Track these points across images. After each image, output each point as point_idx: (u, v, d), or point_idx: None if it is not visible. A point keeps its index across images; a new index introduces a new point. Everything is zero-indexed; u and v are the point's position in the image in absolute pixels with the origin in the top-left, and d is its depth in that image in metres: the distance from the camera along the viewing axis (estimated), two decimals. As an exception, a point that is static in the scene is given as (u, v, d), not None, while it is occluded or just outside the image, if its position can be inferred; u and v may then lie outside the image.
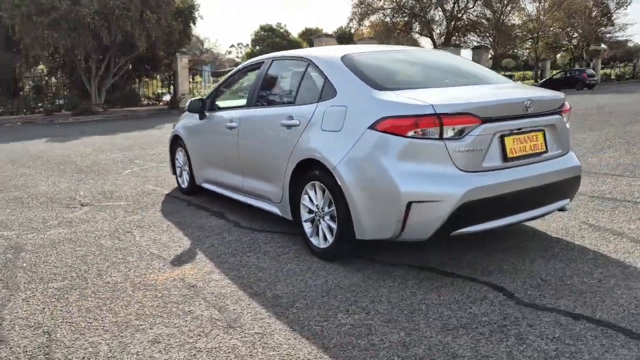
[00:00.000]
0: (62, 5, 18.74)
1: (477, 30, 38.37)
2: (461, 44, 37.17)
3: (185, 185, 6.05)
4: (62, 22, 18.79)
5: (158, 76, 27.73)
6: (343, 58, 3.87)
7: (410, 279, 3.39)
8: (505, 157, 3.32)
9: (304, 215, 3.91)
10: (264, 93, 4.64)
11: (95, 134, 14.36)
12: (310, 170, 3.76)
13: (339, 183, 3.45)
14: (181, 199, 5.89)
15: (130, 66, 24.09)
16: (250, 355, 2.54)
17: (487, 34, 39.05)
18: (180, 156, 6.11)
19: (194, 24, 23.43)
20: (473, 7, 37.22)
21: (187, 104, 5.43)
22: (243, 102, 4.90)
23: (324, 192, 3.67)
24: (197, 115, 5.46)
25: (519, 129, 3.40)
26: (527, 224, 4.40)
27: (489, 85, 3.84)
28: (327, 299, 3.14)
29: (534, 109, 3.44)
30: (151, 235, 4.53)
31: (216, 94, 5.43)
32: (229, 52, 76.91)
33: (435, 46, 37.70)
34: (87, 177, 7.53)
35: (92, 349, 2.64)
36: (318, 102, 3.82)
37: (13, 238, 4.59)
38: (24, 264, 3.91)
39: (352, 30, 42.19)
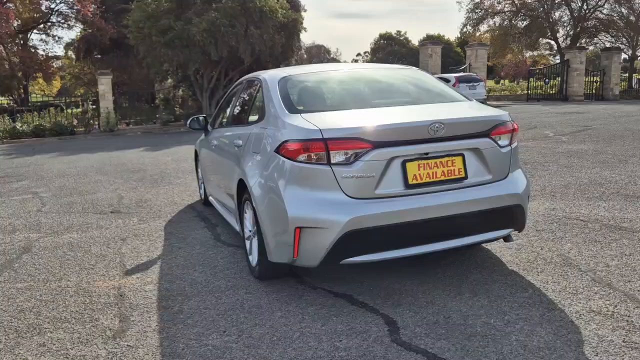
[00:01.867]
0: (176, 26, 20.60)
1: (611, 30, 34.76)
2: (588, 46, 33.96)
3: (203, 197, 6.44)
4: (176, 41, 20.63)
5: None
6: (280, 80, 3.92)
7: (316, 304, 3.34)
8: (407, 184, 3.14)
9: (246, 233, 4.01)
10: (235, 112, 4.84)
11: (189, 144, 15.57)
12: (245, 191, 3.86)
13: (253, 204, 3.53)
14: (196, 210, 6.26)
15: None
16: (100, 366, 2.74)
17: (621, 34, 35.25)
18: (198, 169, 6.53)
19: (297, 38, 24.31)
20: (604, 4, 33.80)
21: (188, 121, 5.79)
22: (225, 120, 5.13)
23: (253, 212, 3.75)
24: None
25: (425, 154, 3.19)
26: (496, 250, 4.07)
27: (418, 106, 3.66)
28: (219, 318, 3.22)
29: (447, 132, 3.20)
30: (135, 244, 4.92)
31: (218, 111, 5.72)
32: (355, 61, 78.33)
33: (559, 49, 34.93)
34: (142, 185, 8.27)
35: (-11, 346, 3.01)
36: (256, 123, 3.91)
37: (32, 240, 5.26)
38: (16, 265, 4.48)
39: (464, 36, 40.63)
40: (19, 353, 2.92)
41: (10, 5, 31.62)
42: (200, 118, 5.73)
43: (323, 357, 2.70)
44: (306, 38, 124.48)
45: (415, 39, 62.20)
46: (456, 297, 3.33)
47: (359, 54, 73.30)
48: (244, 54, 21.63)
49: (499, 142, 3.41)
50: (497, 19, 35.89)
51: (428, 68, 25.87)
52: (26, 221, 6.09)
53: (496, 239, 3.51)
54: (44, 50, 37.52)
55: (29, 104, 32.03)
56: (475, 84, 21.41)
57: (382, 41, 59.63)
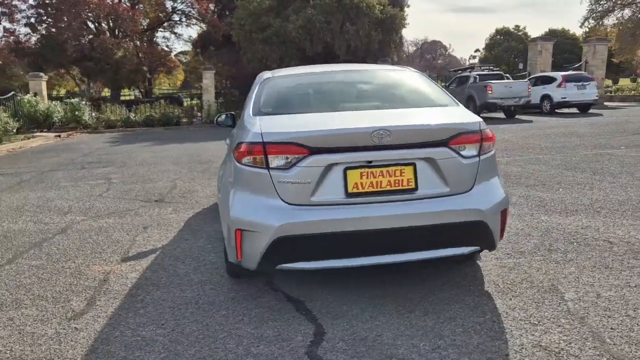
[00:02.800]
0: (275, 23, 21.34)
1: None
2: None
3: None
4: (274, 37, 21.38)
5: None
6: (263, 80, 3.94)
7: (264, 307, 3.35)
8: (347, 192, 3.02)
9: (225, 230, 4.11)
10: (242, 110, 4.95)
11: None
12: None
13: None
14: (228, 204, 6.49)
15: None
16: (11, 343, 2.97)
17: None
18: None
19: (396, 34, 23.93)
20: None
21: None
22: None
23: None
24: None
25: (368, 162, 3.04)
26: (485, 267, 3.77)
27: (383, 111, 3.50)
28: (168, 311, 3.35)
29: (394, 139, 3.02)
30: (152, 233, 5.23)
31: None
32: (473, 57, 75.34)
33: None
34: (201, 176, 8.72)
35: (-30, 315, 3.41)
36: (239, 123, 3.98)
37: (74, 222, 5.80)
38: (44, 244, 4.98)
39: (586, 30, 37.17)
40: (-11, 324, 3.27)
41: (140, 5, 34.75)
42: (229, 115, 5.92)
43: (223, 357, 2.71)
44: (418, 33, 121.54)
45: (536, 34, 58.31)
46: (405, 314, 3.15)
47: (477, 50, 70.29)
48: (339, 50, 21.82)
49: (462, 152, 3.15)
50: (627, 11, 32.45)
51: (536, 65, 24.21)
52: (82, 205, 6.72)
53: (457, 256, 3.25)
54: (167, 47, 40.84)
55: (152, 96, 35.05)
56: (586, 83, 19.57)
57: (498, 37, 56.57)
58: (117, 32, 33.61)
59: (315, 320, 3.12)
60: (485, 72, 21.27)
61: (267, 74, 4.21)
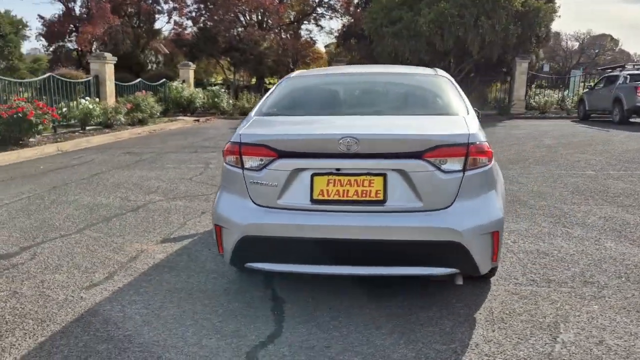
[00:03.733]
0: (405, 17, 20.99)
1: None
2: None
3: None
4: (404, 31, 21.03)
5: (498, 82, 27.23)
6: (285, 80, 4.02)
7: (244, 302, 3.45)
8: (312, 198, 2.98)
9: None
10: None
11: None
12: None
13: None
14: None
15: (472, 71, 24.70)
16: (27, 302, 3.41)
17: None
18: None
19: (540, 27, 22.03)
20: None
21: None
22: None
23: None
24: None
25: (337, 170, 2.95)
26: (493, 291, 3.47)
27: (380, 117, 3.37)
28: (160, 293, 3.61)
29: (362, 148, 2.91)
30: (203, 219, 5.58)
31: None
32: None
33: None
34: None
35: None
36: None
37: (151, 202, 6.40)
38: (114, 219, 5.59)
39: None
40: (21, 278, 3.81)
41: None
42: None
43: (177, 347, 2.86)
44: (580, 25, 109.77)
45: None
46: (369, 330, 3.03)
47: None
48: (472, 45, 20.81)
49: (441, 166, 2.92)
50: None
51: None
52: (169, 186, 7.38)
53: (431, 276, 3.03)
54: (310, 38, 42.30)
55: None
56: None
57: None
58: (264, 25, 35.75)
59: (280, 322, 3.14)
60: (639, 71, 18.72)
61: (294, 74, 4.27)
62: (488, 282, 3.67)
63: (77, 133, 13.76)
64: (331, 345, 2.86)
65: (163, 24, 43.65)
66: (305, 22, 40.21)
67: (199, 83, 29.91)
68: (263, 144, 3.05)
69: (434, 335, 2.96)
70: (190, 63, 25.46)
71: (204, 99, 23.08)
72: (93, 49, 40.05)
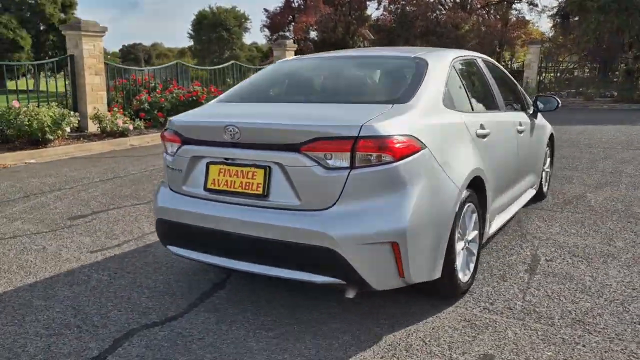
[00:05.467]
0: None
1: None
2: None
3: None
4: (612, 4, 17.95)
5: None
6: (266, 66, 3.93)
7: (185, 286, 3.55)
8: (205, 187, 2.91)
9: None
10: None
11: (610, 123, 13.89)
12: None
13: None
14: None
15: None
16: (46, 259, 4.00)
17: None
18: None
19: None
20: None
21: None
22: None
23: None
24: None
25: (226, 159, 2.82)
26: (423, 314, 2.99)
27: (298, 105, 3.13)
28: (147, 267, 3.91)
29: (244, 137, 2.73)
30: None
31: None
32: None
33: None
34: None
35: None
36: None
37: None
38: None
39: None
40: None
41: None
42: None
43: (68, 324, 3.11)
44: None
45: None
46: (241, 338, 2.87)
47: None
48: None
49: (323, 162, 2.56)
50: None
51: None
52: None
53: (314, 284, 2.69)
54: (523, 17, 38.81)
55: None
56: None
57: None
58: (467, 7, 34.07)
59: (166, 314, 3.10)
60: None
61: (284, 59, 4.17)
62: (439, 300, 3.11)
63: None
64: (204, 336, 2.80)
65: (372, 10, 45.53)
66: (517, 0, 37.12)
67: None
68: (174, 131, 3.09)
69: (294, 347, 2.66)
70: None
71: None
72: (306, 36, 43.33)
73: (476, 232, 3.36)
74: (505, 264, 3.80)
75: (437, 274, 2.85)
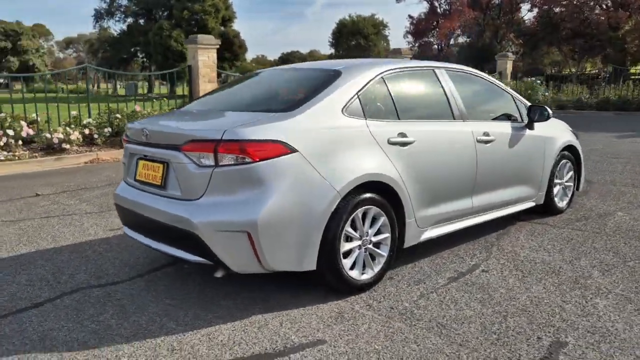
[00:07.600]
0: None
1: None
2: None
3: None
4: None
5: None
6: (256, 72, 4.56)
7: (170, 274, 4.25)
8: (135, 178, 3.59)
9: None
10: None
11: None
12: None
13: None
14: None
15: None
16: (76, 231, 5.01)
17: None
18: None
19: None
20: None
21: None
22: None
23: None
24: None
25: (145, 155, 3.52)
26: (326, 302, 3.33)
27: (217, 114, 3.69)
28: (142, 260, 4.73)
29: (151, 138, 3.41)
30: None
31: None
32: None
33: None
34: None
35: None
36: None
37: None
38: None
39: None
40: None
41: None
42: None
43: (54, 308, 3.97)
44: None
45: None
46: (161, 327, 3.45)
47: None
48: None
49: (197, 160, 3.08)
50: None
51: None
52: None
53: (189, 261, 3.24)
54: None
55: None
56: None
57: None
58: (628, 6, 30.69)
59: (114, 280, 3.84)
60: None
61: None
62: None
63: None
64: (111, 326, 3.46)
65: (525, 13, 43.04)
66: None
67: (536, 73, 28.40)
68: (125, 133, 3.83)
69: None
70: (509, 54, 24.53)
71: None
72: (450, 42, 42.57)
73: (386, 235, 3.55)
74: (435, 270, 3.88)
75: (310, 266, 3.17)
